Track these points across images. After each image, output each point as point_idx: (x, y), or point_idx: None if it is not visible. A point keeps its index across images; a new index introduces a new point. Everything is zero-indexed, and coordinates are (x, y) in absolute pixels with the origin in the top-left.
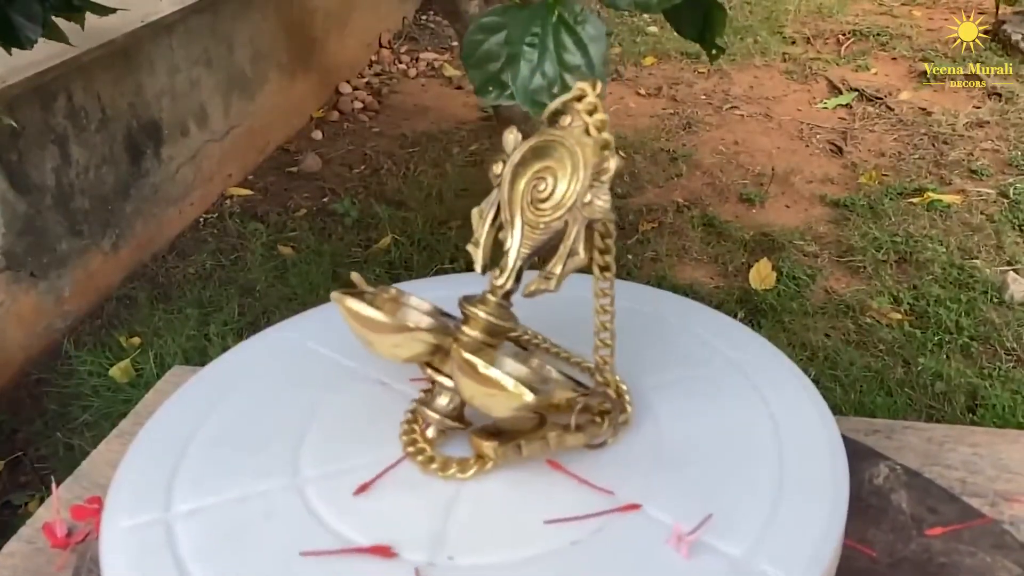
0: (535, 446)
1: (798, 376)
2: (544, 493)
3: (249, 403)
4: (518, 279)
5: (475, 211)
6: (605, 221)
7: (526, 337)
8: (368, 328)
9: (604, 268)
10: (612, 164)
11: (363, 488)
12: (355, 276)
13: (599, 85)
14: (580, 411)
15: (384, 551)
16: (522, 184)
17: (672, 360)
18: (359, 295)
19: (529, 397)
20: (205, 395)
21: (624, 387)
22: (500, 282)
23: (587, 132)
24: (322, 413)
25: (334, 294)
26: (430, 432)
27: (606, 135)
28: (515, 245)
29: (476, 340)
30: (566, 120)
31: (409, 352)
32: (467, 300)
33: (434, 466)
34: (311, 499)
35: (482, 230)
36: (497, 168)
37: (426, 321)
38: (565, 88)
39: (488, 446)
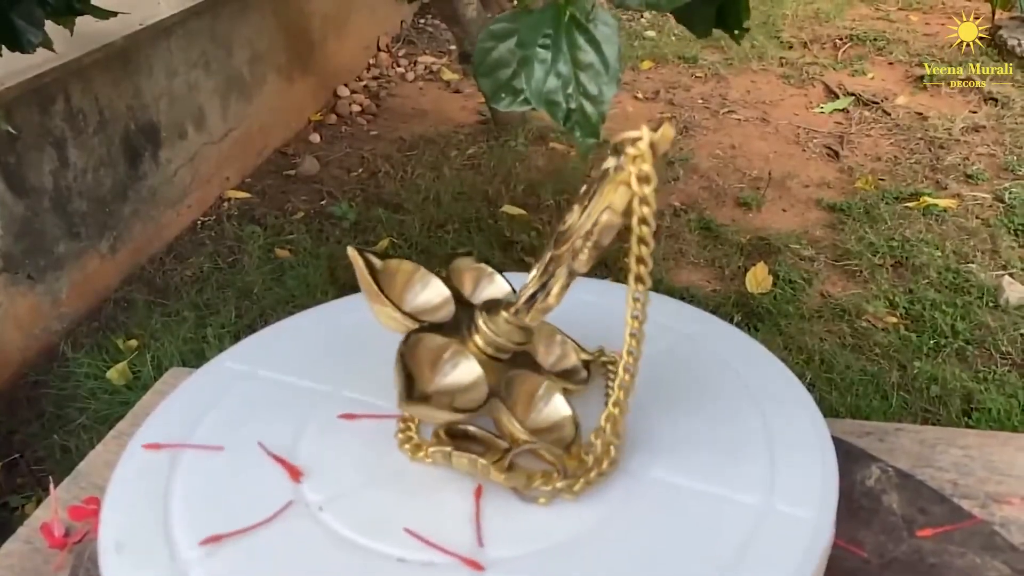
0: (463, 462)
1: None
2: (448, 509)
3: (338, 327)
4: (530, 301)
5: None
6: (643, 238)
7: (606, 363)
8: (365, 290)
9: (639, 279)
10: (602, 220)
11: (346, 416)
12: (462, 252)
13: (665, 128)
14: (519, 454)
15: (295, 474)
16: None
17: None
18: (375, 257)
19: (400, 399)
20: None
21: (613, 453)
22: (515, 301)
23: (628, 181)
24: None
25: (350, 249)
26: None
27: (647, 191)
28: (538, 271)
29: (480, 349)
30: (621, 159)
31: (398, 329)
32: (484, 307)
33: (400, 436)
34: (316, 408)
35: (549, 245)
36: (583, 188)
37: (420, 305)
38: (579, 87)
39: (432, 442)
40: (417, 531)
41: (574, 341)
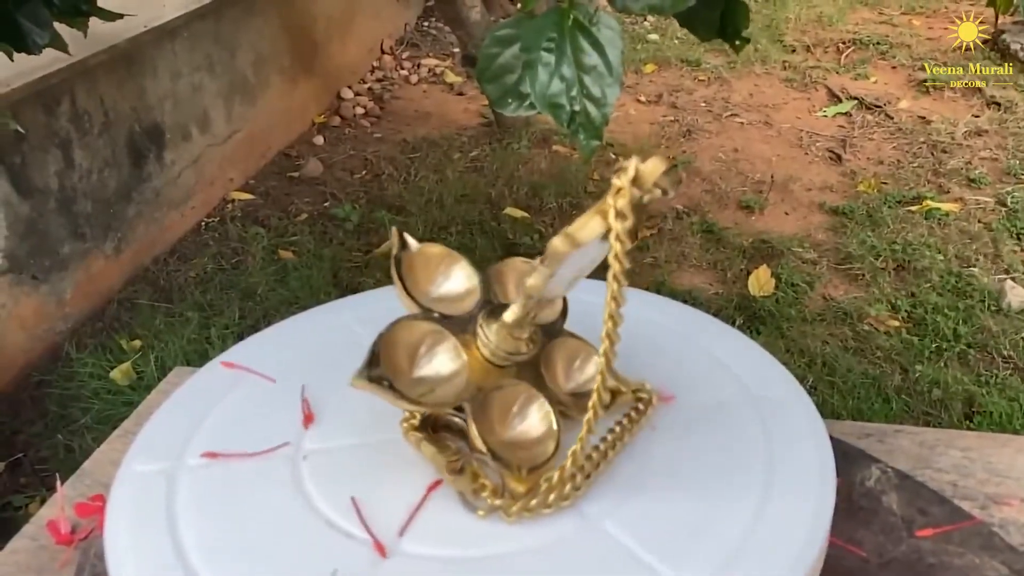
0: (430, 451)
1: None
2: (402, 492)
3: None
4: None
5: None
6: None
7: (640, 398)
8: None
9: (612, 318)
10: (552, 244)
11: None
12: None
13: (654, 162)
14: (479, 461)
15: (308, 420)
16: None
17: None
18: (412, 239)
19: (354, 375)
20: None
21: (568, 490)
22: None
23: (606, 212)
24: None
25: (393, 229)
26: None
27: (620, 228)
28: None
29: (479, 351)
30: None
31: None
32: (488, 311)
33: (406, 413)
34: (344, 357)
35: None
36: None
37: (443, 295)
38: (583, 90)
39: (416, 425)
40: (361, 503)
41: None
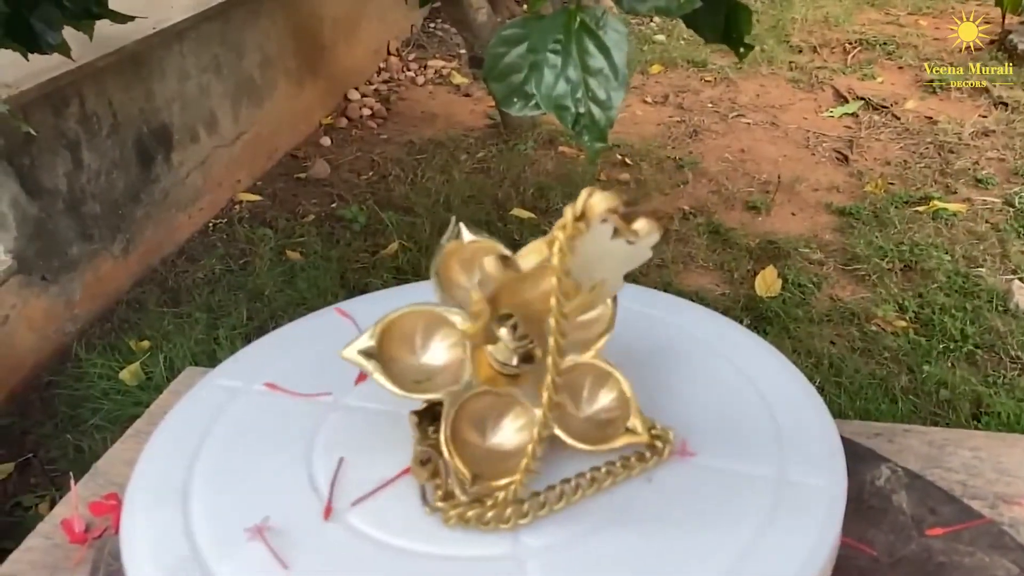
0: (415, 436)
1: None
2: (387, 465)
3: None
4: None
5: None
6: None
7: (655, 438)
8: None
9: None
10: (485, 270)
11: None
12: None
13: (599, 200)
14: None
15: (361, 379)
16: None
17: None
18: (467, 230)
19: (346, 347)
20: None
21: (509, 512)
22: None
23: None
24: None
25: (453, 218)
26: None
27: (557, 262)
28: None
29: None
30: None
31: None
32: (501, 319)
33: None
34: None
35: None
36: None
37: (466, 289)
38: (588, 92)
39: (417, 410)
40: (346, 465)
41: (637, 405)
